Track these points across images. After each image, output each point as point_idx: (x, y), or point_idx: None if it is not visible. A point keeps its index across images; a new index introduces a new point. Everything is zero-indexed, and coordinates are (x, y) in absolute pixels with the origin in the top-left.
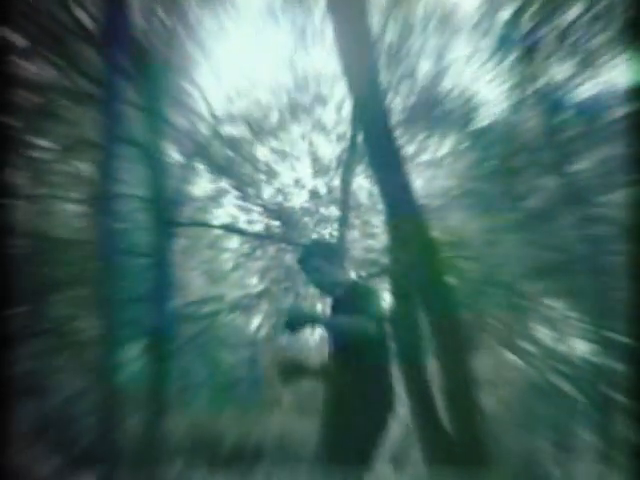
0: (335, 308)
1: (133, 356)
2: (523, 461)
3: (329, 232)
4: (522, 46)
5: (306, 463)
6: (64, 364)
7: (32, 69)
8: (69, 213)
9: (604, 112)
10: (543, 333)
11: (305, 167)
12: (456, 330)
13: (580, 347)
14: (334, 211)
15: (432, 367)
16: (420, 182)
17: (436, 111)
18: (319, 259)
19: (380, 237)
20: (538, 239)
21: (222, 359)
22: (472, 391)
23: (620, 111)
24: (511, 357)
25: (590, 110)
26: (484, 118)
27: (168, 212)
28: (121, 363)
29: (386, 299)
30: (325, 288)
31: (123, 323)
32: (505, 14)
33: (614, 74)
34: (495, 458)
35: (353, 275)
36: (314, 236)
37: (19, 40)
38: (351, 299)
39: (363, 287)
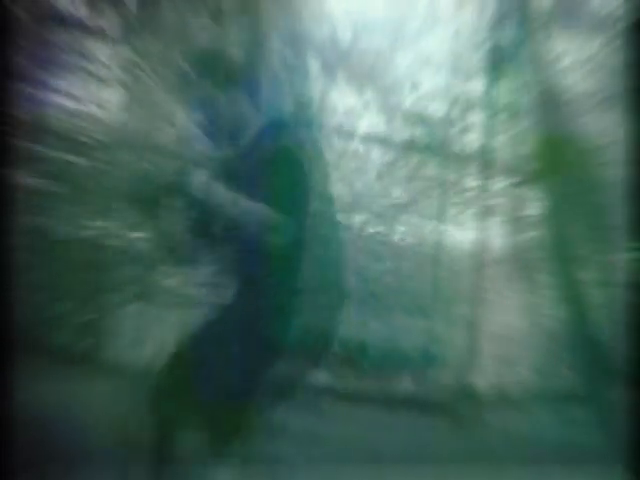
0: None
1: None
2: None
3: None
4: None
5: None
6: None
7: None
8: None
9: None
10: None
11: (447, 74)
12: (605, 237)
13: None
14: (479, 117)
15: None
16: (567, 84)
17: (583, 8)
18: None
19: (528, 143)
20: None
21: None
22: None
23: None
24: None
25: None
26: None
27: (312, 123)
28: None
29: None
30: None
31: None
32: None
33: None
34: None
35: None
36: None
37: None
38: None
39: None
